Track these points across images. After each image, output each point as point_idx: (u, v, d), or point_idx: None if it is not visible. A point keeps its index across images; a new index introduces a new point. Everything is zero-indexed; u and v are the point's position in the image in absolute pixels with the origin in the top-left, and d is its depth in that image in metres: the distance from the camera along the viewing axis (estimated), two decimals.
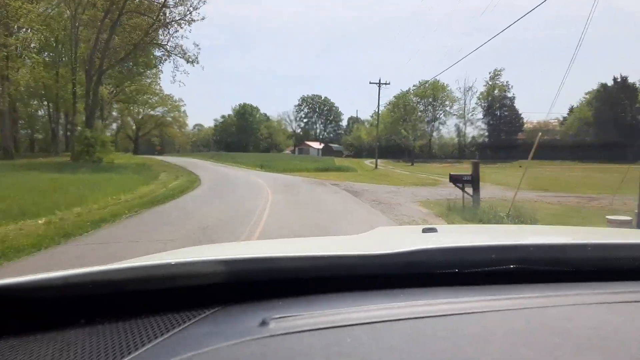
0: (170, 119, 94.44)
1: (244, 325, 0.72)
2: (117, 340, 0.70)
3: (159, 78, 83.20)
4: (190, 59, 36.98)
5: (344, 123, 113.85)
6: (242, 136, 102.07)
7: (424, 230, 1.40)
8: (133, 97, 77.05)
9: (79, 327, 0.75)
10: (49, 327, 0.75)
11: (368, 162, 57.46)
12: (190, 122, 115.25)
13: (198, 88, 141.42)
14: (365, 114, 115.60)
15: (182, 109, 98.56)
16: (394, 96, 66.32)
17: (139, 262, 0.89)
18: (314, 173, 32.42)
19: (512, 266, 0.92)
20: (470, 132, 70.65)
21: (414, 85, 67.84)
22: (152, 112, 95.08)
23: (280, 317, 0.73)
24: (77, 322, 0.77)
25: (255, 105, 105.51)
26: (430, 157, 64.85)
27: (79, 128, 32.57)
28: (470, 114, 69.58)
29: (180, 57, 36.27)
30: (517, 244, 1.05)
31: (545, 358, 0.61)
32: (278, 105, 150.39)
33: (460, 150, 67.58)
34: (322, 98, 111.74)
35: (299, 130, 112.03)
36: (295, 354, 0.62)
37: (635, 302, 0.83)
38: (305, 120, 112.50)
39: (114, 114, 78.44)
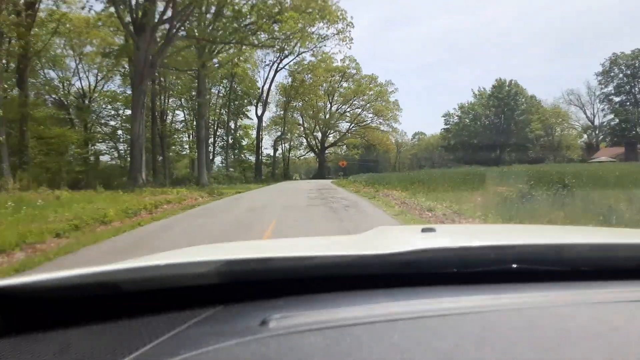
0: (373, 117, 57.26)
1: (245, 324, 0.72)
2: (118, 341, 0.70)
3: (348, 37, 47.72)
4: None
5: None
6: (496, 136, 57.90)
7: (423, 230, 1.35)
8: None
9: (79, 328, 0.75)
10: (49, 327, 0.75)
11: None
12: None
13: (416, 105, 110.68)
14: None
15: (393, 96, 60.76)
16: None
17: (139, 262, 0.89)
18: None
19: (511, 266, 0.91)
20: None
21: None
22: (346, 108, 60.25)
23: (280, 317, 0.73)
24: (77, 322, 0.76)
25: (520, 84, 58.85)
26: None
27: None
28: None
29: None
30: (516, 244, 1.03)
31: (546, 357, 0.61)
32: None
33: None
34: None
35: (610, 117, 59.79)
36: (296, 354, 0.62)
37: (635, 301, 0.82)
38: (619, 98, 59.32)
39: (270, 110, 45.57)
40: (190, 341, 0.67)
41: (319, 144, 58.02)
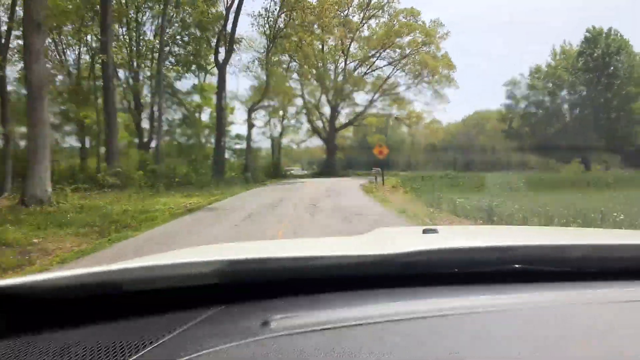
0: (411, 80, 37.31)
1: (246, 325, 0.72)
2: (119, 342, 0.70)
3: None
4: None
5: None
6: (588, 119, 38.69)
7: (425, 231, 1.36)
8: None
9: (80, 328, 0.75)
10: (49, 327, 0.75)
11: None
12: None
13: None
14: None
15: (441, 47, 40.18)
16: None
17: (141, 262, 0.90)
18: None
19: (513, 266, 0.92)
20: None
21: None
22: (366, 70, 40.30)
23: (281, 317, 0.74)
24: (78, 323, 0.76)
25: (624, 37, 38.91)
26: None
27: None
28: None
29: None
30: (517, 245, 1.04)
31: (547, 357, 0.62)
32: None
33: None
34: None
35: None
36: (297, 354, 0.63)
37: (636, 301, 0.83)
38: None
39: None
40: (192, 342, 0.67)
41: (326, 125, 38.35)
